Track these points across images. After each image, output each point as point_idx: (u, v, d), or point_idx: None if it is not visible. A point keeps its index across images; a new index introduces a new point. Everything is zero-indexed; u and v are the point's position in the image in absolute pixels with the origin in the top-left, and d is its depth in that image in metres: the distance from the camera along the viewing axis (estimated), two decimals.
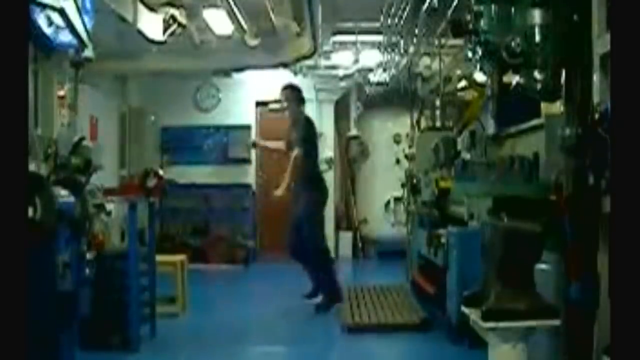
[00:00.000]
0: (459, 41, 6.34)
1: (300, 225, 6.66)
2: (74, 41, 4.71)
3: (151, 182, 5.71)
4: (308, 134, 6.81)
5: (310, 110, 10.56)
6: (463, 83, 7.08)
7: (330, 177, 10.58)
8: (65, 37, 4.84)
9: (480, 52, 3.16)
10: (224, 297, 7.47)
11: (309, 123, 6.90)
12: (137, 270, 5.09)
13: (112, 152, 8.90)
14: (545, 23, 2.83)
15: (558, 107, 3.18)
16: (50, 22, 4.73)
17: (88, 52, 4.89)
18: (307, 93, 10.49)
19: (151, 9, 6.44)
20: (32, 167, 4.70)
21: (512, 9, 2.96)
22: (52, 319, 3.66)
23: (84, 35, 4.61)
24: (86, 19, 4.66)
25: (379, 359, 5.35)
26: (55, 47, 5.03)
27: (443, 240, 5.41)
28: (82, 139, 4.73)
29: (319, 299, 6.67)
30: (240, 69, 9.11)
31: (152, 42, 6.59)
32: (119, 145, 9.34)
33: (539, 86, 2.86)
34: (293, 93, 6.93)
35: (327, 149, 10.60)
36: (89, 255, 4.52)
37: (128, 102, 9.77)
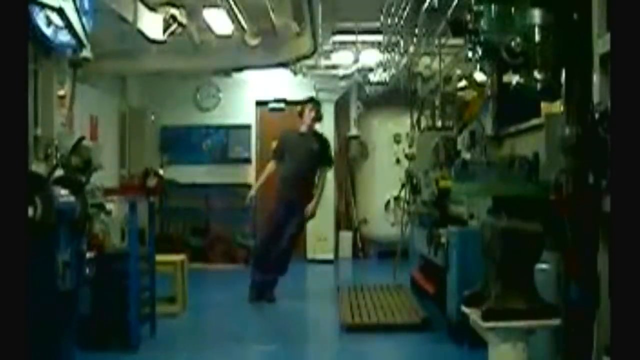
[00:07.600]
0: (459, 41, 6.34)
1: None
2: (73, 41, 4.72)
3: (151, 182, 5.71)
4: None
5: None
6: (463, 83, 7.08)
7: (330, 177, 10.59)
8: (64, 37, 4.85)
9: (480, 52, 3.15)
10: (224, 297, 7.46)
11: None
12: (137, 270, 5.09)
13: (112, 152, 8.90)
14: (545, 23, 2.83)
15: (558, 107, 3.18)
16: (49, 22, 4.75)
17: (86, 52, 4.90)
18: (307, 93, 10.54)
19: (151, 8, 6.44)
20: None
21: (512, 9, 2.96)
22: (52, 318, 3.65)
23: (82, 35, 4.62)
24: (85, 19, 4.68)
25: (379, 359, 5.36)
26: (54, 47, 5.04)
27: (443, 240, 5.41)
28: (81, 139, 4.73)
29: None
30: (240, 69, 9.10)
31: (152, 42, 6.59)
32: (119, 145, 9.33)
33: (539, 86, 2.86)
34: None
35: None
36: (89, 255, 4.52)
37: (128, 102, 9.76)
